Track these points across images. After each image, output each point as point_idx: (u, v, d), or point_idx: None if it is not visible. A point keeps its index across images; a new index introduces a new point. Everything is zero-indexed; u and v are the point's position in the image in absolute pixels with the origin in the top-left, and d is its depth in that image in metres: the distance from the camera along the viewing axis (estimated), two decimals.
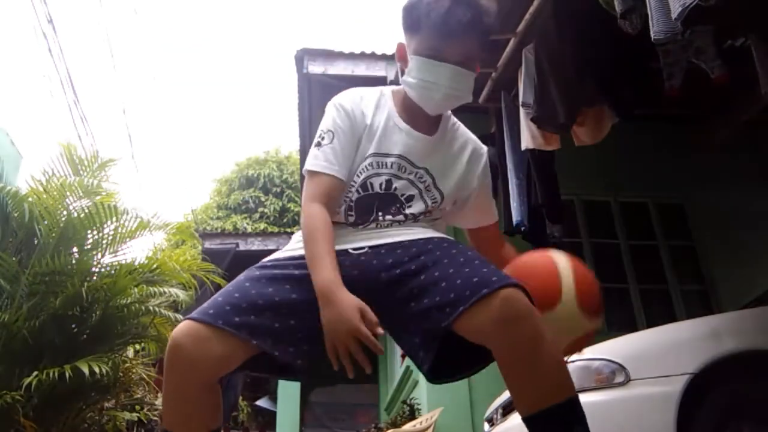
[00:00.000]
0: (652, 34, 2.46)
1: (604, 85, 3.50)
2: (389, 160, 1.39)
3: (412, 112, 1.42)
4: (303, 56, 5.13)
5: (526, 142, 3.97)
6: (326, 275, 1.22)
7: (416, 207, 1.40)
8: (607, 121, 3.73)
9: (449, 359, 1.27)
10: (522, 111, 3.96)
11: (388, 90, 1.48)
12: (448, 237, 1.40)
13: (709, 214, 5.53)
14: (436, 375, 1.30)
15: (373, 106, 1.43)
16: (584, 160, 4.69)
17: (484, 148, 1.55)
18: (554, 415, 1.14)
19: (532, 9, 3.72)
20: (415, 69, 1.35)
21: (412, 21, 1.36)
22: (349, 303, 1.18)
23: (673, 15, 2.26)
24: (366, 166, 1.39)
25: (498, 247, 1.60)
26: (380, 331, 1.18)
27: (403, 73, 1.42)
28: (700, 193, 5.59)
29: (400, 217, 1.39)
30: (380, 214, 1.38)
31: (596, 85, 3.51)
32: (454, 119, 1.52)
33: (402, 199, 1.39)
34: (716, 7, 2.17)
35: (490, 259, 1.37)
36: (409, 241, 1.34)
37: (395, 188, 1.38)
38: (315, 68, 5.10)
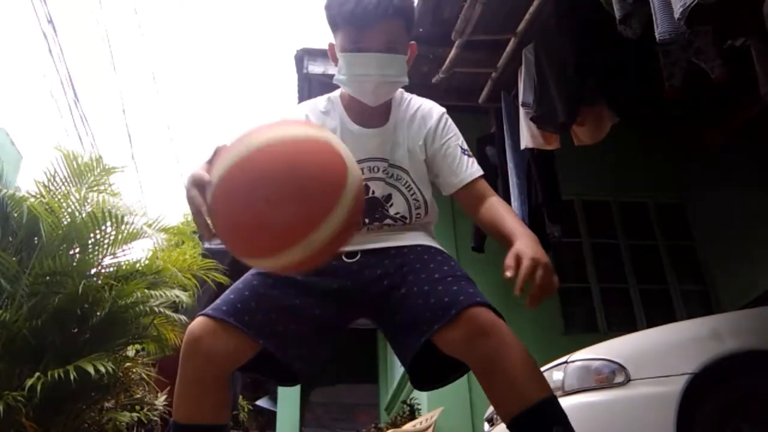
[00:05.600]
0: (657, 35, 2.46)
1: (604, 85, 3.51)
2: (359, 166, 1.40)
3: (360, 110, 1.42)
4: (303, 56, 5.14)
5: (526, 141, 3.98)
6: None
7: (397, 204, 1.43)
8: (607, 121, 3.74)
9: (432, 367, 1.35)
10: (522, 111, 3.96)
11: (335, 95, 1.48)
12: (432, 246, 1.42)
13: (709, 214, 5.53)
14: (420, 382, 1.40)
15: (320, 115, 1.44)
16: (584, 160, 4.70)
17: (438, 109, 1.48)
18: (530, 417, 1.18)
19: (532, 9, 3.73)
20: (344, 65, 1.36)
21: (330, 19, 1.38)
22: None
23: (676, 15, 2.27)
24: None
25: (477, 209, 1.43)
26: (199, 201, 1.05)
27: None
28: (700, 193, 5.60)
29: (388, 221, 1.43)
30: (366, 219, 1.42)
31: (596, 85, 3.51)
32: (406, 96, 1.49)
33: (381, 200, 1.42)
34: (716, 7, 2.18)
35: (477, 222, 1.43)
36: (395, 248, 1.39)
37: (372, 192, 1.41)
38: (315, 68, 5.12)
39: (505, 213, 1.37)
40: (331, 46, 1.42)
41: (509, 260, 1.17)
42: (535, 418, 1.19)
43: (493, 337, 1.21)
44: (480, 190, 1.43)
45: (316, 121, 1.43)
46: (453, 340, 1.22)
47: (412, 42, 1.40)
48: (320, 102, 1.48)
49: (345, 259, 1.38)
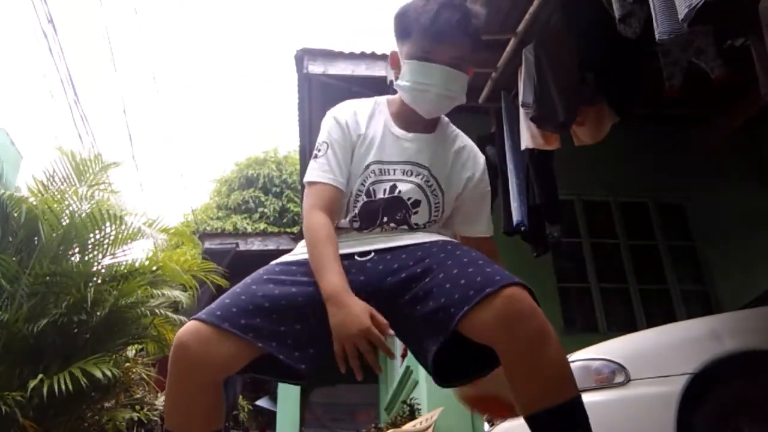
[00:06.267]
0: (656, 35, 2.45)
1: (604, 85, 3.50)
2: (392, 167, 1.40)
3: (408, 118, 1.44)
4: (303, 56, 5.13)
5: (526, 141, 3.97)
6: (333, 280, 1.23)
7: (422, 213, 1.40)
8: (607, 120, 3.73)
9: (456, 363, 1.28)
10: (522, 111, 3.96)
11: (383, 99, 1.51)
12: (452, 239, 1.40)
13: (709, 214, 5.53)
14: (444, 378, 1.31)
15: (367, 116, 1.45)
16: (584, 160, 4.69)
17: (482, 156, 1.54)
18: (556, 415, 1.14)
19: (532, 9, 3.72)
20: (408, 72, 1.38)
21: (403, 28, 1.40)
22: (359, 305, 1.19)
23: (680, 16, 2.25)
24: (368, 174, 1.40)
25: None
26: (390, 332, 1.18)
27: (397, 79, 1.44)
28: (700, 193, 5.60)
29: (405, 227, 1.40)
30: (385, 218, 1.39)
31: (596, 85, 3.51)
32: (453, 126, 1.53)
33: (408, 203, 1.39)
34: (717, 7, 2.18)
35: None
36: (414, 245, 1.34)
37: (399, 191, 1.39)
38: (315, 68, 5.10)
39: None
40: (395, 53, 1.44)
41: None
42: (561, 417, 1.14)
43: (531, 323, 1.12)
44: (491, 250, 1.51)
45: (362, 124, 1.44)
46: (486, 323, 1.12)
47: (471, 66, 1.42)
48: (366, 104, 1.49)
49: (357, 258, 1.34)
